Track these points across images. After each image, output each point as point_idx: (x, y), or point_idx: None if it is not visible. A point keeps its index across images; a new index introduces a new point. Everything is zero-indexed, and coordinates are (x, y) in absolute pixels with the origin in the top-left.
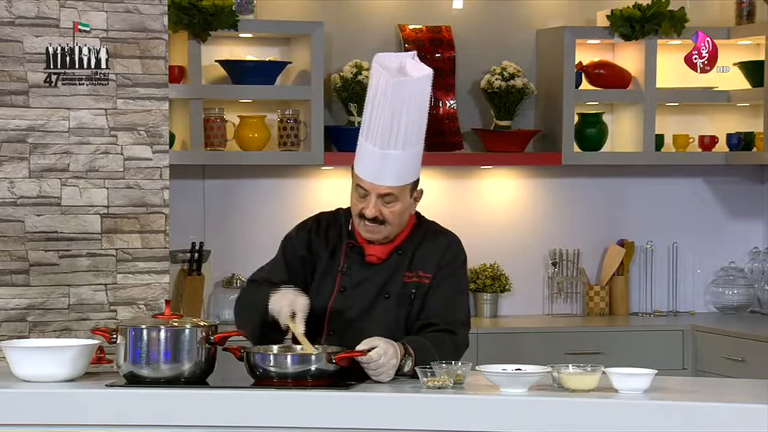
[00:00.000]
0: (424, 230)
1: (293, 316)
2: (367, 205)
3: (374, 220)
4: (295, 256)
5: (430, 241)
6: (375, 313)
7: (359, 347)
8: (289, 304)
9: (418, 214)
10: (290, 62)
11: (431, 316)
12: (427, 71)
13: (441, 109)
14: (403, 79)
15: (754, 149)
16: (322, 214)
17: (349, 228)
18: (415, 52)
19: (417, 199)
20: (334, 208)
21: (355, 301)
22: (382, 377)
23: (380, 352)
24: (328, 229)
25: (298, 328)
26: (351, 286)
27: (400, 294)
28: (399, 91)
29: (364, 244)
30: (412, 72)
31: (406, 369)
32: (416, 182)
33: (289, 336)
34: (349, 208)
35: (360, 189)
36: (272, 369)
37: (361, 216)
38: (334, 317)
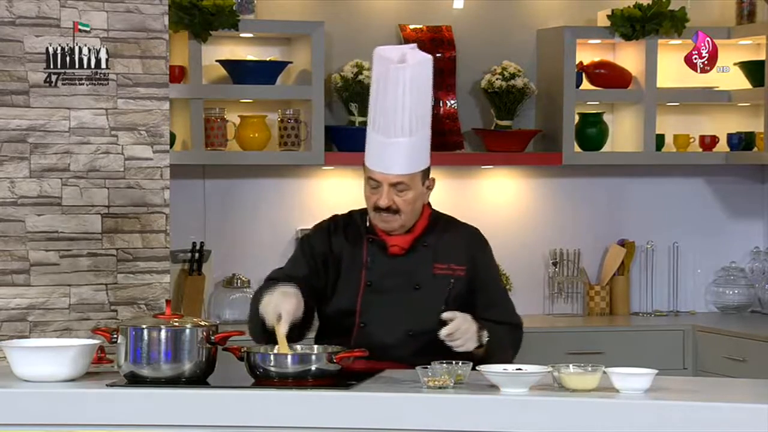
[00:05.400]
0: (444, 222)
1: (279, 318)
2: (381, 195)
3: (388, 209)
4: (316, 253)
5: (453, 233)
6: (406, 305)
7: (445, 315)
8: (273, 308)
9: (431, 206)
10: (291, 62)
11: (494, 316)
12: (428, 56)
13: (441, 109)
14: (403, 64)
15: (755, 149)
16: (336, 215)
17: (367, 224)
18: (415, 44)
19: (429, 188)
20: (346, 210)
21: (384, 294)
22: (468, 344)
23: (461, 320)
24: (346, 228)
25: (281, 328)
26: (377, 279)
27: (433, 285)
28: (400, 76)
29: (384, 237)
30: (412, 58)
31: (484, 340)
32: (427, 171)
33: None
34: (362, 209)
35: (372, 181)
36: (272, 369)
37: (376, 208)
38: (364, 311)
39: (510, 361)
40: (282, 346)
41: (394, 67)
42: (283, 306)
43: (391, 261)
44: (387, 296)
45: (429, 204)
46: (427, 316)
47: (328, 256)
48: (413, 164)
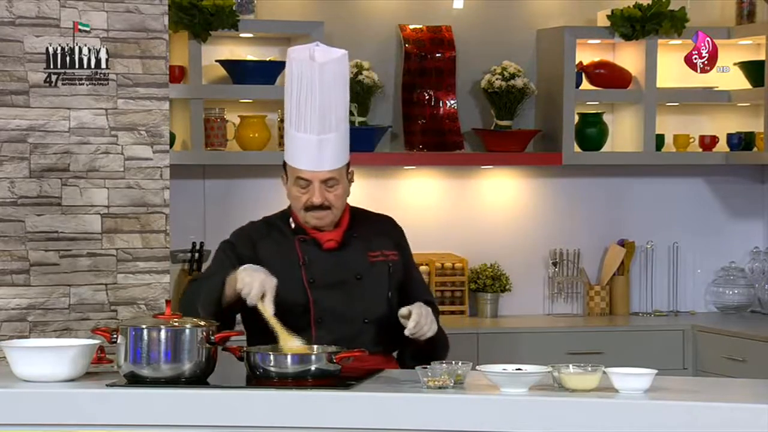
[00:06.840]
0: (362, 214)
1: (263, 297)
2: (312, 193)
3: (321, 206)
4: (243, 258)
5: (374, 223)
6: (354, 296)
7: (402, 312)
8: (260, 284)
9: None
10: None
11: (428, 297)
12: (344, 51)
13: (441, 109)
14: (324, 60)
15: (755, 149)
16: (253, 222)
17: (292, 226)
18: (317, 42)
19: (351, 181)
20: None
21: (330, 288)
22: (433, 327)
23: (419, 309)
24: (269, 233)
25: (268, 309)
26: (319, 275)
27: (372, 273)
28: (325, 73)
29: (316, 234)
30: (329, 55)
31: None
32: (348, 164)
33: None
34: (278, 213)
35: (301, 181)
36: (272, 369)
37: (308, 207)
38: (317, 308)
39: (447, 342)
40: (277, 328)
41: (319, 63)
42: (267, 283)
43: (327, 256)
44: (334, 290)
45: None
46: (376, 303)
47: (253, 258)
48: (341, 158)
